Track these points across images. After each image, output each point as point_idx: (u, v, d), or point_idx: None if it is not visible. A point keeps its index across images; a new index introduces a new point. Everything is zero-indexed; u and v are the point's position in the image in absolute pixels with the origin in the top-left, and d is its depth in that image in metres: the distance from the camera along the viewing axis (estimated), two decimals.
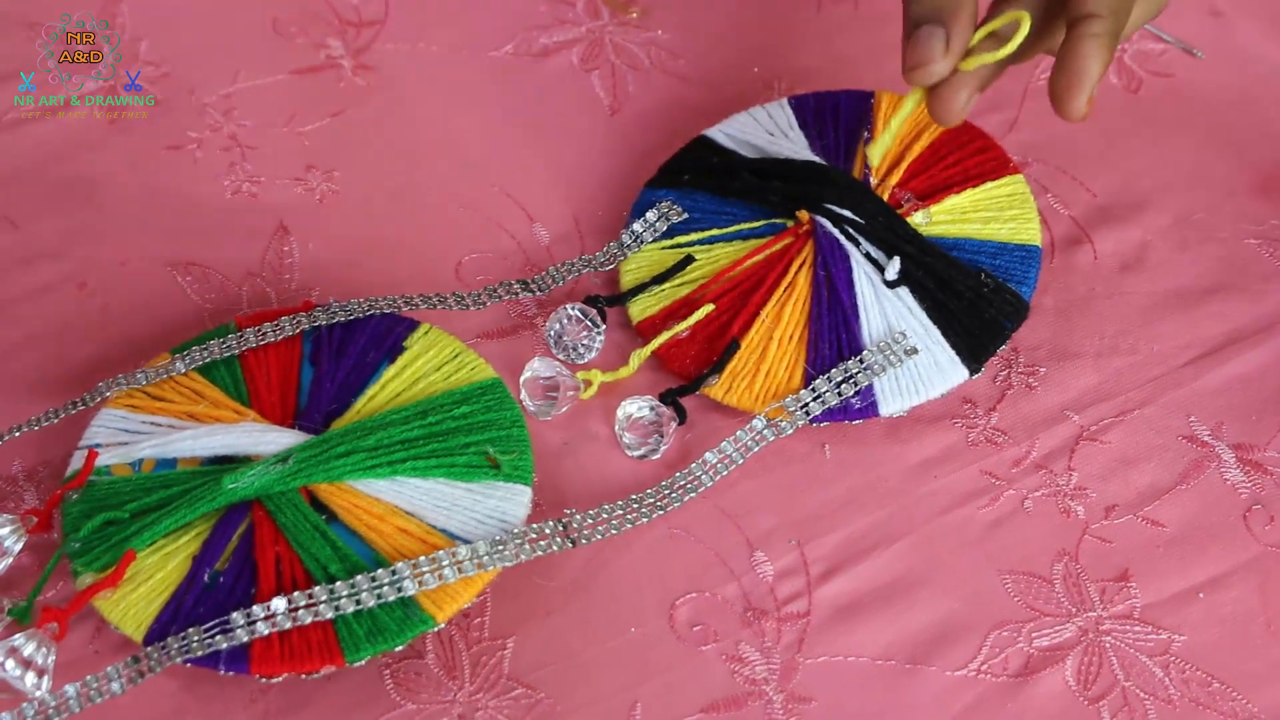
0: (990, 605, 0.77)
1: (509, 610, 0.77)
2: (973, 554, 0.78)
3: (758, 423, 0.79)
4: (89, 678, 0.72)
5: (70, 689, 0.71)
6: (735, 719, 0.74)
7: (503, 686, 0.75)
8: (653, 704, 0.74)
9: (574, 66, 0.96)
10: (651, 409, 0.80)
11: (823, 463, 0.81)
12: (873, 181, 0.86)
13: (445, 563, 0.73)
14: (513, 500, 0.77)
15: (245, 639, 0.72)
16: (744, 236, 0.86)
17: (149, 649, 0.72)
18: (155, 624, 0.74)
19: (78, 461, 0.79)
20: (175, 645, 0.71)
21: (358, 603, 0.72)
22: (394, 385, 0.81)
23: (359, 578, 0.73)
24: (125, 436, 0.79)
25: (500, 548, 0.74)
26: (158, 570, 0.75)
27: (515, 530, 0.75)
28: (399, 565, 0.73)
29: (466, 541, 0.75)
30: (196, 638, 0.72)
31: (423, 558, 0.74)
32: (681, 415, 0.81)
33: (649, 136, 0.94)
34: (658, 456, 0.80)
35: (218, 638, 0.72)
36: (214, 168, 0.93)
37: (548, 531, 0.76)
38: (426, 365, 0.81)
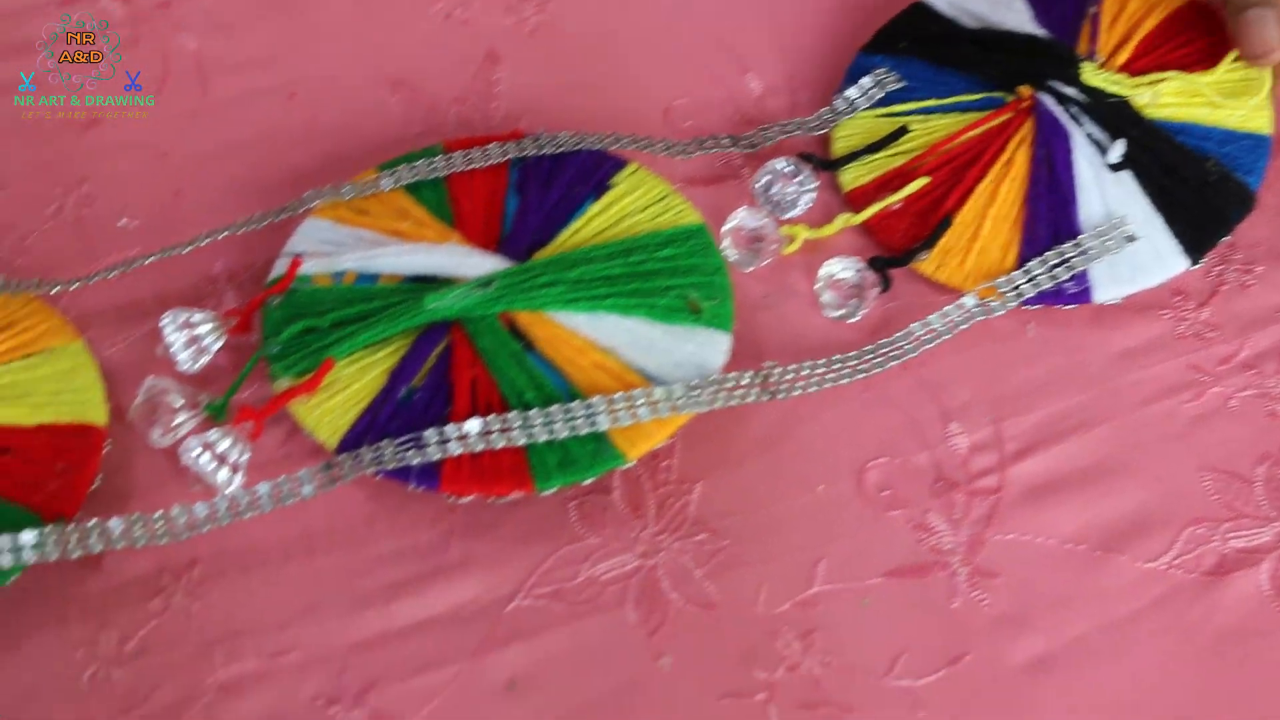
0: (1187, 501, 0.76)
1: (698, 456, 0.78)
2: (1173, 447, 0.78)
3: (968, 300, 0.79)
4: (282, 478, 0.73)
5: (263, 487, 0.72)
6: (918, 586, 0.74)
7: (687, 530, 0.75)
8: (836, 563, 0.75)
9: None
10: (856, 271, 0.80)
11: (1025, 342, 0.80)
12: (1099, 59, 0.84)
13: (640, 401, 0.73)
14: (712, 346, 0.77)
15: (437, 456, 0.72)
16: (962, 109, 0.85)
17: (342, 457, 0.73)
18: (349, 433, 0.75)
19: (281, 267, 0.79)
20: (368, 456, 0.72)
21: (551, 432, 0.73)
22: (598, 221, 0.81)
23: (554, 408, 0.73)
24: (329, 247, 0.80)
25: (697, 392, 0.74)
26: (354, 381, 0.76)
27: (713, 377, 0.75)
28: (595, 399, 0.74)
29: (662, 383, 0.75)
30: (389, 450, 0.72)
31: (619, 394, 0.74)
32: (887, 284, 0.81)
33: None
34: (855, 320, 0.80)
35: (410, 452, 0.72)
36: None
37: (746, 382, 0.76)
38: (632, 204, 0.81)
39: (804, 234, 0.82)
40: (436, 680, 0.72)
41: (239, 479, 0.74)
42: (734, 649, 0.73)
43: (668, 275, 0.79)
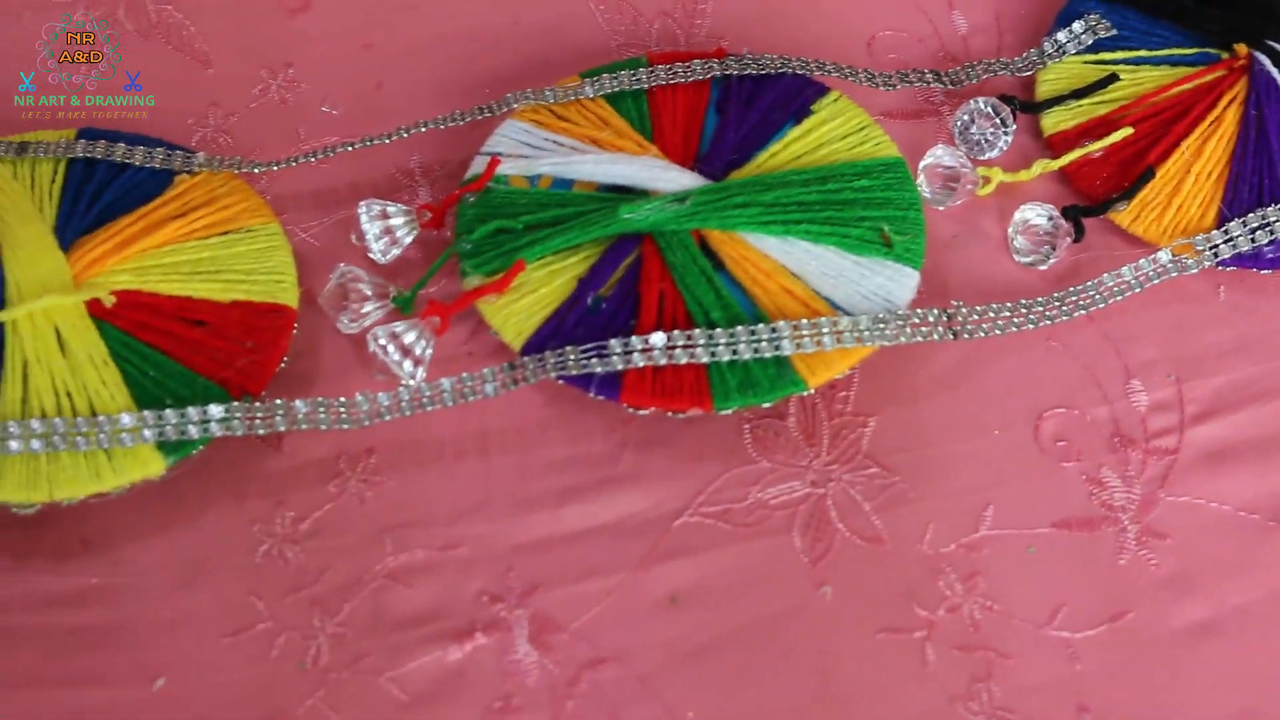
0: None
1: (875, 390, 0.78)
2: None
3: (1163, 255, 0.79)
4: (465, 375, 0.74)
5: (445, 382, 0.73)
6: (1085, 540, 0.74)
7: (859, 463, 0.76)
8: (1005, 508, 0.75)
9: None
10: (1050, 219, 0.80)
11: (1216, 304, 0.80)
12: None
13: (826, 330, 0.74)
14: (900, 281, 0.77)
15: (620, 367, 0.73)
16: (1173, 63, 0.84)
17: (526, 359, 0.74)
18: (534, 336, 0.76)
19: (478, 166, 0.80)
20: (552, 360, 0.73)
21: (734, 353, 0.74)
22: (796, 146, 0.81)
23: (739, 329, 0.74)
24: (527, 150, 0.81)
25: (882, 325, 0.74)
26: (543, 285, 0.77)
27: (899, 311, 0.75)
28: (780, 324, 0.74)
29: (849, 313, 0.75)
30: (573, 356, 0.73)
31: (804, 321, 0.74)
32: (1079, 233, 0.80)
33: None
34: (1045, 267, 0.80)
35: (594, 360, 0.73)
36: None
37: (931, 319, 0.76)
38: (831, 132, 0.81)
39: (1000, 176, 0.81)
40: (599, 588, 0.73)
41: (422, 372, 0.75)
42: (896, 585, 0.73)
43: (862, 206, 0.79)
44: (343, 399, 0.73)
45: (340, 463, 0.76)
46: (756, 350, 0.74)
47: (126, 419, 0.72)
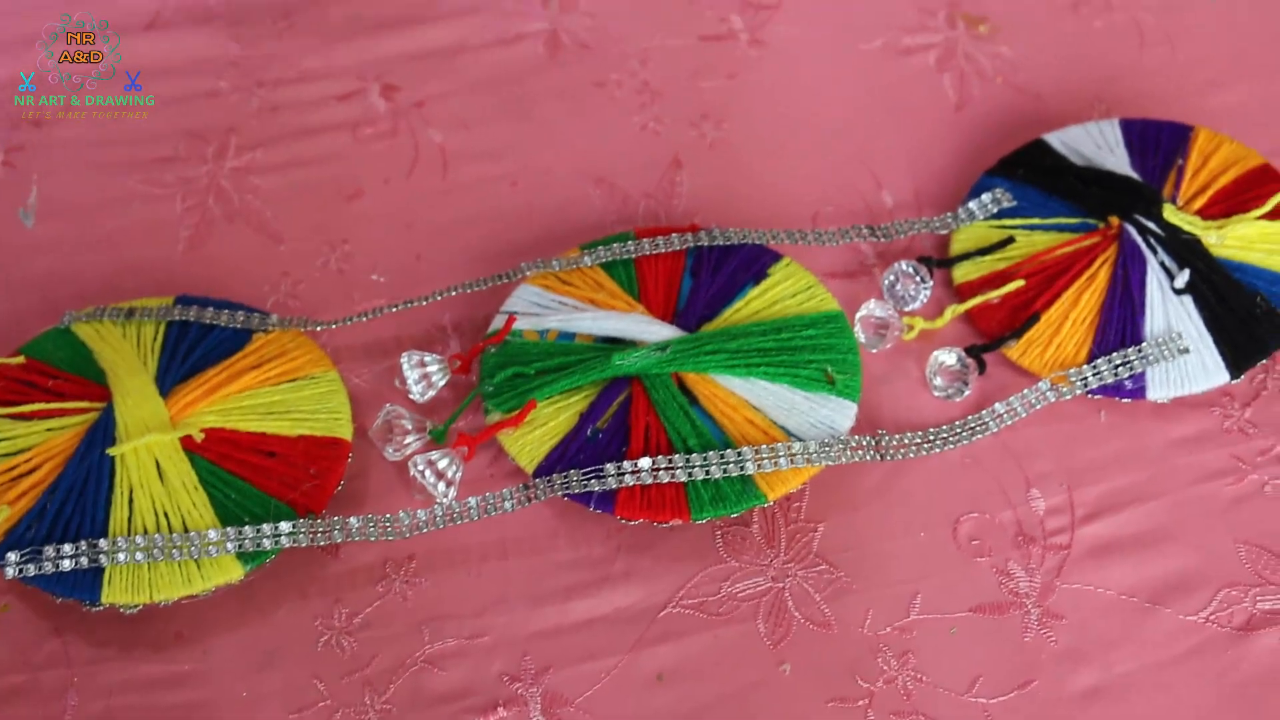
0: (1224, 567, 0.75)
1: (823, 501, 0.78)
2: (1215, 522, 0.77)
3: (1043, 385, 0.79)
4: (488, 494, 0.73)
5: (473, 500, 0.73)
6: (997, 622, 0.74)
7: (810, 561, 0.75)
8: (931, 596, 0.75)
9: (930, 67, 0.95)
10: (959, 359, 0.80)
11: (1098, 426, 0.80)
12: (1179, 202, 0.83)
13: (781, 453, 0.74)
14: (841, 413, 0.77)
15: (614, 486, 0.73)
16: (1060, 229, 0.84)
17: (537, 480, 0.73)
18: (544, 461, 0.76)
19: (498, 322, 0.81)
20: (559, 481, 0.73)
21: (707, 473, 0.74)
22: (756, 304, 0.81)
23: (711, 454, 0.74)
24: (538, 309, 0.81)
25: (827, 448, 0.74)
26: (551, 420, 0.77)
27: (840, 437, 0.75)
28: (745, 449, 0.74)
29: (800, 439, 0.75)
30: (576, 478, 0.73)
31: (764, 446, 0.74)
32: (982, 367, 0.79)
33: (985, 134, 0.92)
34: (960, 400, 0.79)
35: (593, 481, 0.73)
36: (628, 105, 0.93)
37: (865, 444, 0.76)
38: (784, 292, 0.81)
39: (921, 324, 0.81)
40: (600, 668, 0.73)
41: (453, 492, 0.75)
42: (843, 661, 0.73)
43: (809, 351, 0.79)
44: (388, 515, 0.73)
45: (386, 567, 0.76)
46: (725, 471, 0.74)
47: (213, 534, 0.72)
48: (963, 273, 0.83)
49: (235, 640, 0.73)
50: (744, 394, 0.78)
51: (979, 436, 0.77)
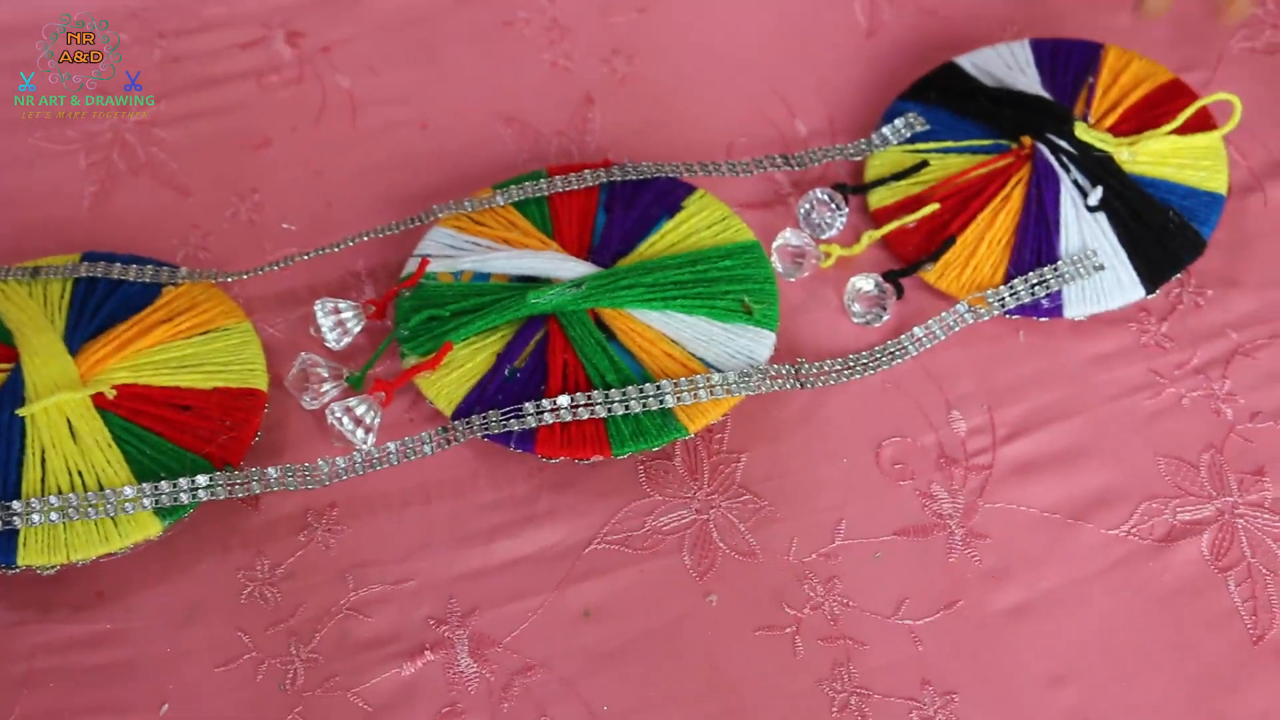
0: (1144, 480, 0.75)
1: (745, 432, 0.77)
2: (1134, 437, 0.76)
3: (960, 307, 0.78)
4: (407, 439, 0.72)
5: (392, 445, 0.71)
6: (922, 544, 0.73)
7: (734, 492, 0.74)
8: (855, 522, 0.74)
9: None
10: (876, 285, 0.78)
11: (1016, 346, 0.79)
12: (1090, 120, 0.82)
13: (701, 385, 0.73)
14: (760, 342, 0.76)
15: (533, 425, 0.71)
16: (973, 151, 0.83)
17: (456, 423, 0.72)
18: (463, 403, 0.74)
19: (411, 266, 0.79)
20: (477, 422, 0.71)
21: (627, 408, 0.72)
22: (671, 237, 0.79)
23: (630, 389, 0.72)
24: (451, 251, 0.80)
25: (746, 379, 0.73)
26: (468, 361, 0.75)
27: (759, 366, 0.73)
28: (664, 383, 0.73)
29: (718, 370, 0.73)
30: (496, 418, 0.71)
31: (683, 379, 0.72)
32: (899, 291, 0.78)
33: (896, 58, 0.91)
34: (879, 325, 0.78)
35: (512, 421, 0.71)
36: (537, 43, 0.91)
37: (783, 373, 0.74)
38: (699, 224, 0.80)
39: (838, 251, 0.80)
40: (526, 607, 0.71)
41: (372, 438, 0.73)
42: (769, 590, 0.72)
43: (726, 282, 0.77)
44: (307, 464, 0.72)
45: (308, 517, 0.74)
46: (645, 405, 0.72)
47: (129, 491, 0.70)
48: (878, 198, 0.82)
49: (157, 597, 0.72)
50: (661, 328, 0.76)
51: (899, 361, 0.76)
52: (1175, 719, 0.68)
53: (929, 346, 0.77)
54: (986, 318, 0.76)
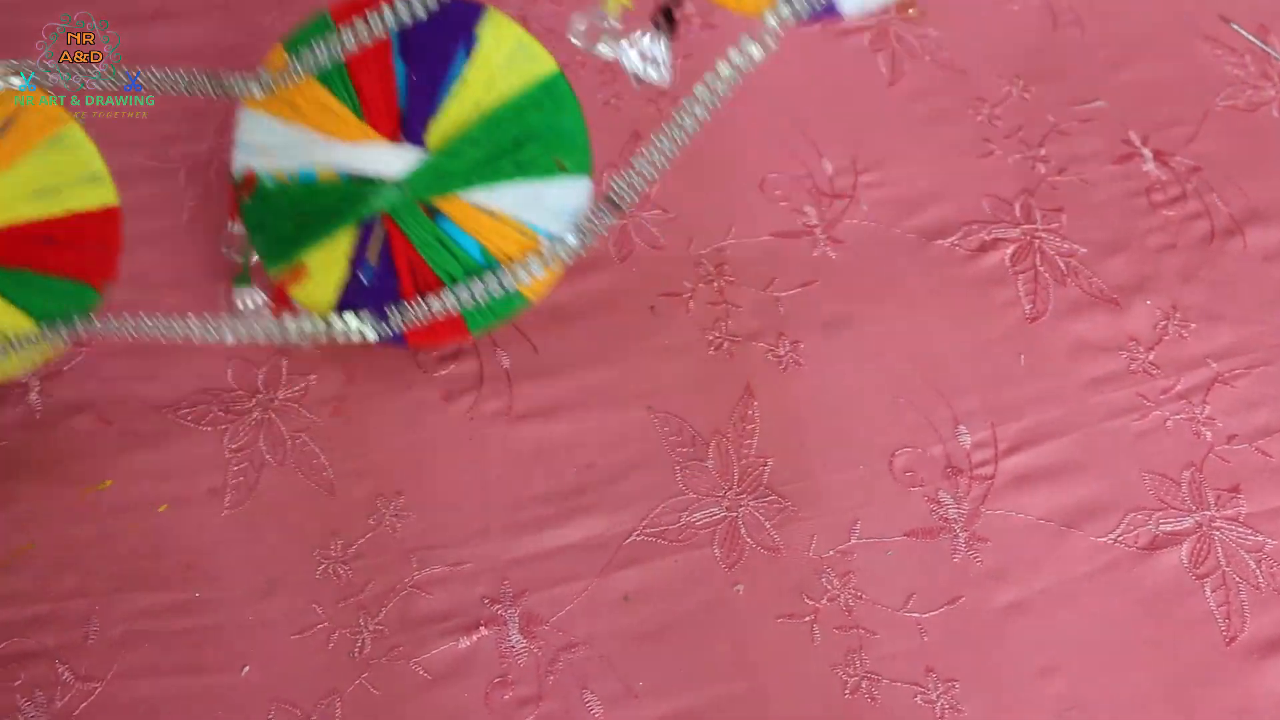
0: (1130, 493, 0.78)
1: (772, 438, 0.80)
2: (1123, 454, 0.79)
3: (744, 40, 0.70)
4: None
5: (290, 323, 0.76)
6: (929, 545, 0.76)
7: (760, 493, 0.77)
8: (869, 523, 0.76)
9: (865, 47, 0.95)
10: (648, 38, 0.75)
11: (1017, 368, 0.82)
12: None
13: (533, 264, 0.76)
14: (575, 190, 0.77)
15: (399, 329, 0.75)
16: None
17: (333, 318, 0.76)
18: (339, 305, 0.78)
19: (240, 167, 0.79)
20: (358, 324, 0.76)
21: (475, 299, 0.76)
22: (474, 88, 0.77)
23: (474, 281, 0.76)
24: (272, 145, 0.79)
25: (560, 243, 0.76)
26: (326, 265, 0.78)
27: (572, 226, 0.76)
28: (500, 271, 0.76)
29: (546, 231, 0.76)
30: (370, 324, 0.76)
31: (516, 262, 0.76)
32: (672, 24, 0.74)
33: (916, 104, 0.92)
34: (669, 79, 0.75)
35: (382, 325, 0.76)
36: (592, 84, 0.95)
37: (594, 216, 0.75)
38: (498, 59, 0.76)
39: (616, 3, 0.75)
40: (571, 591, 0.74)
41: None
42: (790, 582, 0.75)
43: (536, 141, 0.77)
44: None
45: (377, 502, 0.77)
46: (490, 293, 0.76)
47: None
48: None
49: (241, 571, 0.74)
50: (487, 202, 0.77)
51: (712, 108, 0.72)
52: (1154, 709, 0.71)
53: (741, 76, 0.72)
54: (772, 41, 0.70)
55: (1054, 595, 0.74)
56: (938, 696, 0.70)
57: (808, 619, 0.72)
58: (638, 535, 0.75)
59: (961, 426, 0.79)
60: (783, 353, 0.83)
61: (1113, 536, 0.75)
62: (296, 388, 0.81)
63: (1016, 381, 0.80)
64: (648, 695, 0.71)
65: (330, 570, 0.74)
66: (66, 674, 0.70)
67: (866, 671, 0.71)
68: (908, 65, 0.96)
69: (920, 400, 0.80)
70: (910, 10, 0.98)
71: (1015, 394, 0.81)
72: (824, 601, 0.73)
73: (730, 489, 0.76)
